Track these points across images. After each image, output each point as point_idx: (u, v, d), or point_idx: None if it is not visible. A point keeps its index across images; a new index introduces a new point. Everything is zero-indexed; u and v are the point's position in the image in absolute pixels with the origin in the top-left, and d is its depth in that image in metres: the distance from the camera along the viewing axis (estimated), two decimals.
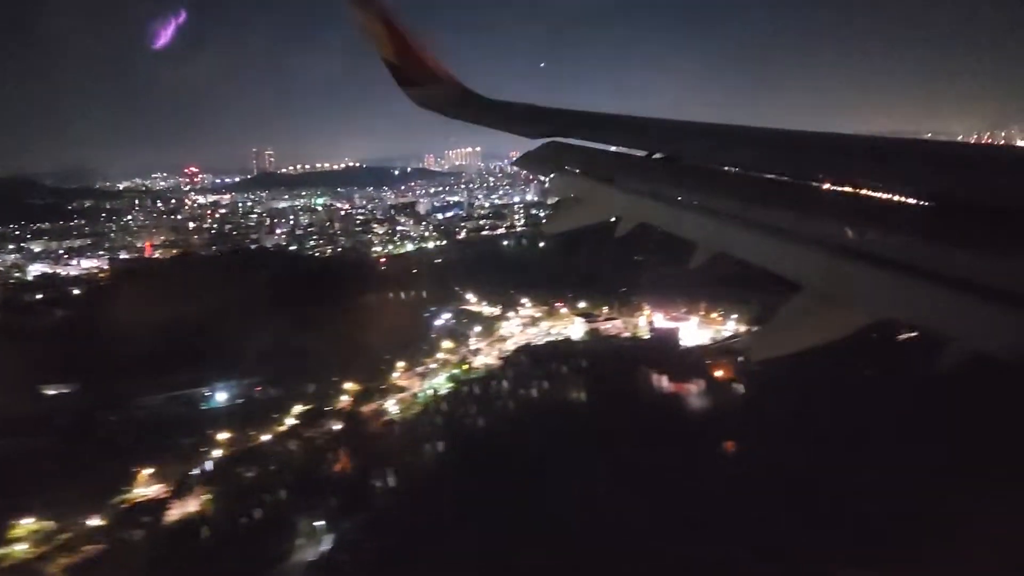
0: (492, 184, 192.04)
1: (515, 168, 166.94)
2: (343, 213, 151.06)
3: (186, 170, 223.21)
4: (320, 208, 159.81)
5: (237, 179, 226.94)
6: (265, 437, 49.10)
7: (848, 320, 2.66)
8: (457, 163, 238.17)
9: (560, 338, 69.05)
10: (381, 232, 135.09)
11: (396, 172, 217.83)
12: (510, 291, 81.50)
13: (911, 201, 2.55)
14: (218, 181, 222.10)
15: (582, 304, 78.36)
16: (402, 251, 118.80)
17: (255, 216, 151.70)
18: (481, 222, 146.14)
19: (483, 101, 7.09)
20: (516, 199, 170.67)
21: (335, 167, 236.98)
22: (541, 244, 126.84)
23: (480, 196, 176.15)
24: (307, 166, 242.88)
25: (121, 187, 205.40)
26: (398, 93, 7.22)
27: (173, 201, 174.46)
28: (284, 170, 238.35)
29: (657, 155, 4.39)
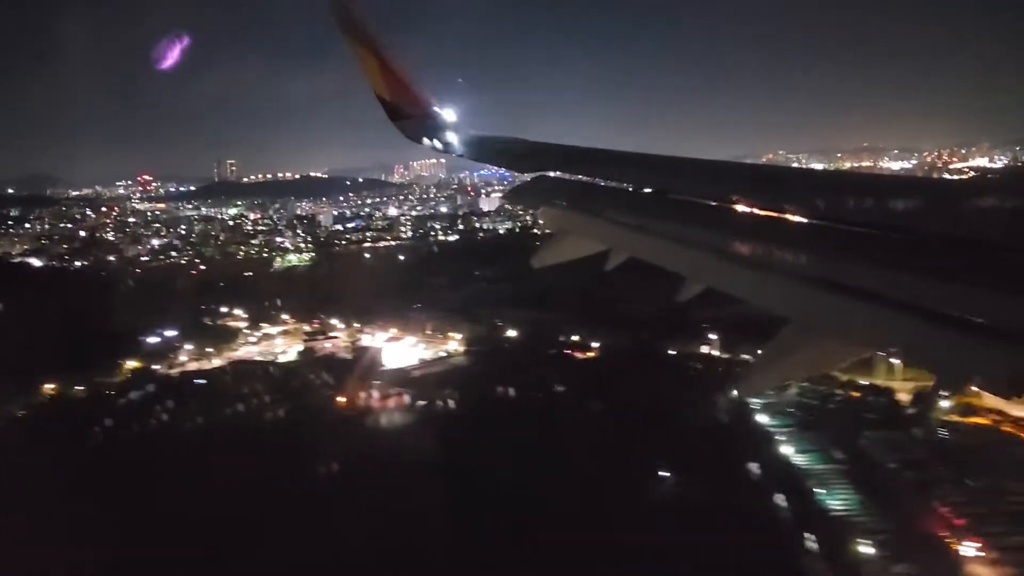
0: (431, 195, 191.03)
1: (479, 180, 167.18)
2: (232, 224, 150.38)
3: (139, 178, 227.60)
4: (222, 218, 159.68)
5: (193, 187, 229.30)
6: None
7: (834, 352, 2.76)
8: (422, 174, 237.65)
9: (268, 358, 65.99)
10: (257, 243, 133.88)
11: (348, 183, 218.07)
12: (271, 309, 78.98)
13: (892, 235, 2.54)
14: (172, 189, 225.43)
15: (335, 321, 75.27)
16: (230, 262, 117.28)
17: (156, 226, 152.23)
18: (369, 234, 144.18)
19: (473, 135, 7.16)
20: (432, 211, 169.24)
21: (295, 177, 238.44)
22: (401, 257, 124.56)
23: (404, 207, 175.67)
24: (268, 175, 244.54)
25: (73, 195, 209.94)
26: (373, 105, 7.33)
27: (104, 209, 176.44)
28: (246, 179, 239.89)
29: (646, 189, 4.50)
